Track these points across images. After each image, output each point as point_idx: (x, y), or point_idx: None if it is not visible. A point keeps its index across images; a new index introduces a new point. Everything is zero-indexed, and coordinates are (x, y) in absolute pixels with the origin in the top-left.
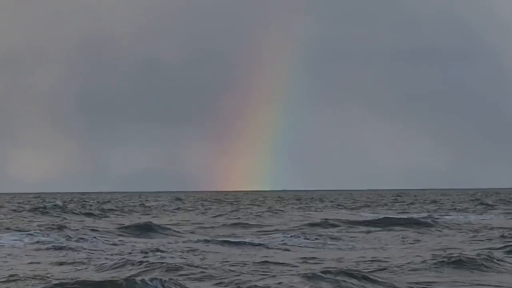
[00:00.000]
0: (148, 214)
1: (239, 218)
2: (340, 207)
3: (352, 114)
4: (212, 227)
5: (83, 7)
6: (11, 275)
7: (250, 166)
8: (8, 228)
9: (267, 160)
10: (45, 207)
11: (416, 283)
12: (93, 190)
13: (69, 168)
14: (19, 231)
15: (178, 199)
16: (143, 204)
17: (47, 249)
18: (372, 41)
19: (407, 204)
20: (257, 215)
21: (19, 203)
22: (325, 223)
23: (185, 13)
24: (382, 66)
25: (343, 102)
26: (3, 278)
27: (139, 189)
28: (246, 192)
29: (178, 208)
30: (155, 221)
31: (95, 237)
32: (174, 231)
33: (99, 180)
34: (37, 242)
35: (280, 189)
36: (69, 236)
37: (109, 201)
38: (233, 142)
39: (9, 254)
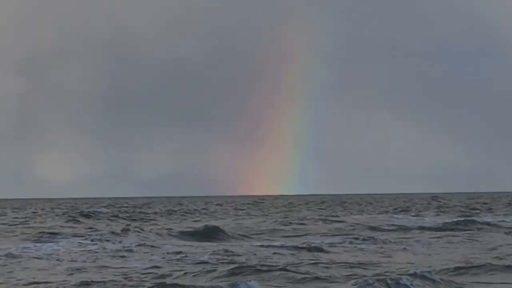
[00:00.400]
0: (203, 218)
1: (294, 222)
2: (386, 211)
3: (378, 116)
4: (282, 230)
5: (108, 7)
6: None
7: (276, 170)
8: (78, 235)
9: (293, 164)
10: (94, 212)
11: None
12: (119, 195)
13: (93, 172)
14: (78, 236)
15: (218, 204)
16: (186, 208)
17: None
18: (395, 39)
19: (448, 207)
20: (312, 219)
21: (61, 209)
22: (385, 227)
23: (209, 11)
24: (410, 65)
25: (370, 103)
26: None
27: (165, 194)
28: (276, 197)
29: (225, 212)
30: (218, 224)
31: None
32: (240, 234)
33: (124, 184)
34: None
35: (307, 193)
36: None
37: (145, 206)
38: (258, 145)
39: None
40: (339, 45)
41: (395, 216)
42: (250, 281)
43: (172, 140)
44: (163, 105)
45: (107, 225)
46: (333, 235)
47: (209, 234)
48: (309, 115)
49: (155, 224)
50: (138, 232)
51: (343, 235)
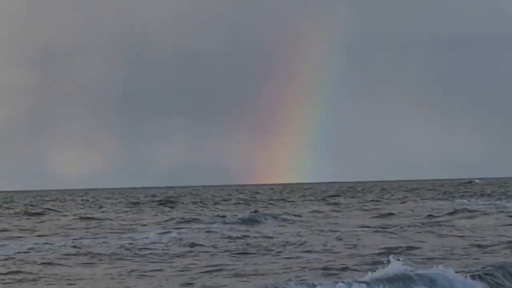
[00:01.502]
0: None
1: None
2: (426, 197)
3: (391, 105)
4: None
5: (127, 4)
6: None
7: (291, 158)
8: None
9: (308, 152)
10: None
11: None
12: (134, 185)
13: (109, 163)
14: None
15: (257, 192)
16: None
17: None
18: (412, 30)
19: (496, 193)
20: (370, 202)
21: (115, 199)
22: (462, 211)
23: (226, 5)
24: (422, 56)
25: (383, 92)
26: None
27: (180, 184)
28: (294, 184)
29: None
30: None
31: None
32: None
33: (139, 175)
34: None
35: (324, 181)
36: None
37: (189, 194)
38: (273, 135)
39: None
40: (356, 37)
41: (489, 201)
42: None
43: (187, 132)
44: (179, 97)
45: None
46: None
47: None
48: (324, 106)
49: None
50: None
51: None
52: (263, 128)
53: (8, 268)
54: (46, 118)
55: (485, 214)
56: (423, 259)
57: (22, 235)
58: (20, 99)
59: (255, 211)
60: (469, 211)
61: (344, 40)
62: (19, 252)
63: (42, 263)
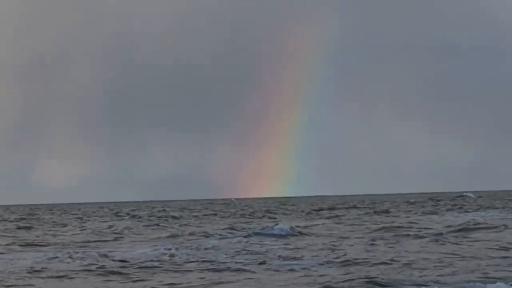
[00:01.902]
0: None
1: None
2: (428, 211)
3: (379, 115)
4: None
5: (111, 9)
6: None
7: (275, 171)
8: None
9: (294, 165)
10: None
11: None
12: (119, 199)
13: (94, 176)
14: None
15: (249, 206)
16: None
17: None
18: (402, 38)
19: (489, 207)
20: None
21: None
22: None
23: (210, 16)
24: (411, 65)
25: (372, 103)
26: None
27: (166, 197)
28: (282, 198)
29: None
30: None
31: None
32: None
33: (124, 187)
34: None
35: (309, 195)
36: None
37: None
38: (259, 146)
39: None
40: (341, 45)
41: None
42: None
43: (172, 143)
44: (164, 107)
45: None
46: None
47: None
48: (310, 115)
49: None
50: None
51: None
52: (250, 140)
53: None
54: (30, 129)
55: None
56: None
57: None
58: (4, 110)
59: (276, 224)
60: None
61: (331, 48)
62: None
63: None
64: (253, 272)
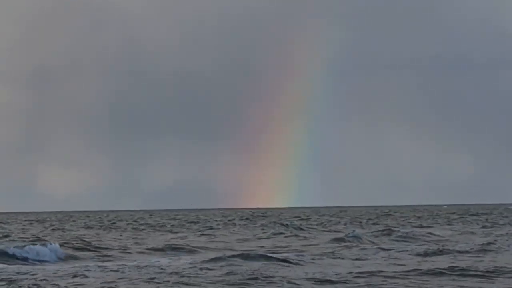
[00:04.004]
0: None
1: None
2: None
3: (381, 127)
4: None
5: (116, 20)
6: None
7: (278, 182)
8: None
9: (296, 176)
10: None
11: None
12: (123, 208)
13: (98, 184)
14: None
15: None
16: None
17: None
18: (405, 52)
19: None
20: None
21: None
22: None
23: (216, 27)
24: (414, 78)
25: (373, 114)
26: None
27: (171, 206)
28: (282, 209)
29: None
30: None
31: None
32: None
33: (128, 196)
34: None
35: (310, 206)
36: None
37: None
38: (261, 156)
39: None
40: (344, 57)
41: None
42: None
43: (176, 152)
44: (169, 117)
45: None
46: None
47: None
48: (313, 128)
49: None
50: None
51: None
52: (253, 149)
53: None
54: (36, 138)
55: None
56: None
57: None
58: (11, 118)
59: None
60: None
61: (334, 61)
62: None
63: None
64: None
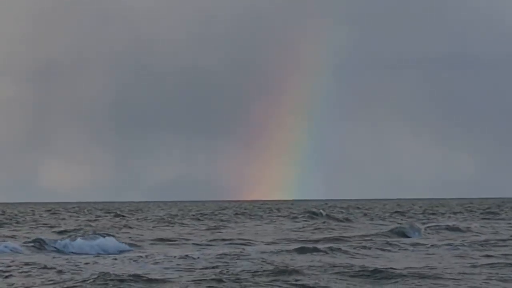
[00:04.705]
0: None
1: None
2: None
3: (382, 124)
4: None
5: (120, 17)
6: None
7: (278, 176)
8: None
9: (296, 170)
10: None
11: None
12: (124, 200)
13: (99, 177)
14: None
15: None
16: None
17: None
18: (405, 50)
19: None
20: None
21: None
22: None
23: (222, 24)
24: (414, 75)
25: (374, 111)
26: None
27: (170, 198)
28: (279, 201)
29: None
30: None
31: None
32: None
33: (129, 189)
34: None
35: (309, 198)
36: None
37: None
38: (263, 151)
39: None
40: (346, 56)
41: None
42: None
43: (178, 147)
44: (171, 113)
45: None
46: None
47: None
48: (315, 124)
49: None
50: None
51: None
52: (255, 144)
53: None
54: (39, 132)
55: None
56: None
57: None
58: (14, 112)
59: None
60: None
61: (336, 59)
62: None
63: None
64: None
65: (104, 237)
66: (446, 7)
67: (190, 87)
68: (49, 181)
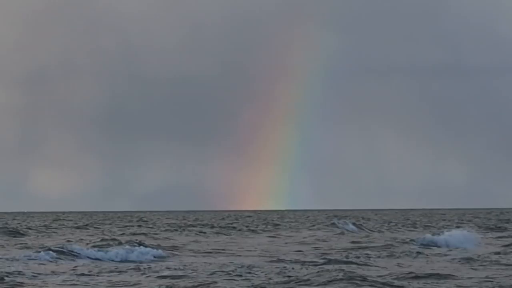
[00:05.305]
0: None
1: None
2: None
3: (373, 131)
4: None
5: (111, 21)
6: None
7: (268, 185)
8: None
9: (286, 179)
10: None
11: None
12: (113, 209)
13: (86, 186)
14: None
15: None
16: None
17: None
18: (396, 56)
19: None
20: None
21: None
22: None
23: (210, 30)
24: (406, 82)
25: (365, 119)
26: None
27: (160, 208)
28: (270, 212)
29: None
30: None
31: None
32: None
33: (117, 198)
34: None
35: (300, 209)
36: None
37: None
38: (253, 160)
39: None
40: (337, 62)
41: None
42: None
43: (167, 155)
44: (161, 119)
45: None
46: None
47: None
48: (305, 131)
49: None
50: None
51: None
52: (245, 152)
53: None
54: (29, 139)
55: None
56: None
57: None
58: (3, 119)
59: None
60: None
61: (326, 65)
62: None
63: None
64: None
65: (139, 246)
66: (437, 15)
67: (180, 93)
68: (36, 189)
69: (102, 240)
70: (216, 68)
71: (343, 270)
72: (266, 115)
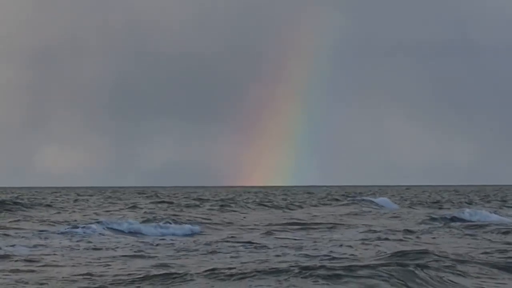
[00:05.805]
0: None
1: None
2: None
3: (379, 109)
4: None
5: (117, 0)
6: None
7: (275, 162)
8: None
9: (293, 155)
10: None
11: None
12: (119, 184)
13: (94, 162)
14: None
15: (309, 193)
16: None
17: None
18: (401, 35)
19: None
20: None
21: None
22: None
23: (221, 11)
24: (411, 61)
25: (371, 97)
26: None
27: (166, 184)
28: (276, 187)
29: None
30: None
31: None
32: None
33: (124, 174)
34: None
35: (306, 185)
36: None
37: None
38: (259, 137)
39: None
40: (344, 42)
41: None
42: None
43: (175, 132)
44: (168, 98)
45: None
46: None
47: None
48: (311, 110)
49: None
50: None
51: None
52: (251, 130)
53: None
54: (35, 116)
55: None
56: None
57: None
58: (10, 97)
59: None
60: None
61: (332, 44)
62: None
63: None
64: None
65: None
66: None
67: (187, 71)
68: (43, 166)
69: (145, 214)
70: (223, 46)
71: None
72: (273, 93)
